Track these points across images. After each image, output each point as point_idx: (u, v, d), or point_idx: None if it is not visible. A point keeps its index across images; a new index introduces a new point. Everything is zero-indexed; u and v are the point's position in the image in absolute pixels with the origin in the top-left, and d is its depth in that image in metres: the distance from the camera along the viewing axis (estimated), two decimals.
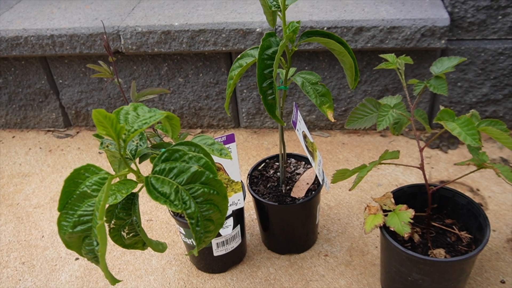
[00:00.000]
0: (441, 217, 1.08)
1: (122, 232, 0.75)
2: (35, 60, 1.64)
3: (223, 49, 1.45)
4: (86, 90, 1.68)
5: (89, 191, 0.64)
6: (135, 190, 0.70)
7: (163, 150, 0.66)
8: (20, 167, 1.63)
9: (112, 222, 0.73)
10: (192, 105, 1.65)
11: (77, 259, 1.26)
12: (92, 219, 0.64)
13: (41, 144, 1.74)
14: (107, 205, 0.71)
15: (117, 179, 0.72)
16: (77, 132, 1.79)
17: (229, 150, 1.02)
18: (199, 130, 1.71)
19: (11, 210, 1.45)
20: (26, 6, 1.72)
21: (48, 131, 1.81)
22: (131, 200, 0.71)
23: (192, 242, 1.11)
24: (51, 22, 1.56)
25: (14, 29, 1.55)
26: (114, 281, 0.65)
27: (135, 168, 0.73)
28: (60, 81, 1.68)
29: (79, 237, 0.66)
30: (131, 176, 0.74)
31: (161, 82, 1.61)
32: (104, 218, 0.71)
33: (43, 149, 1.71)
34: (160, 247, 0.75)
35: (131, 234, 0.75)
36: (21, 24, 1.57)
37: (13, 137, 1.80)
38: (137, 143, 0.73)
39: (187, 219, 0.62)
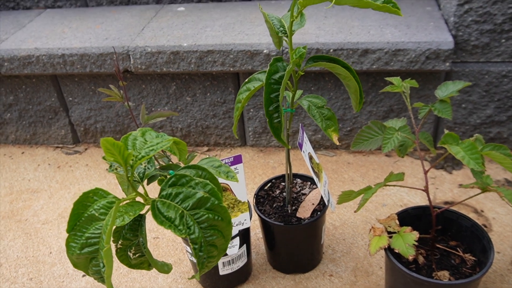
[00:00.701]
0: (446, 239, 1.08)
1: (129, 253, 0.76)
2: (46, 78, 1.67)
3: (231, 69, 1.47)
4: (95, 108, 1.71)
5: (97, 214, 0.66)
6: (142, 212, 0.72)
7: (171, 172, 0.68)
8: (29, 183, 1.65)
9: (119, 242, 0.74)
10: (199, 123, 1.67)
11: (84, 276, 1.27)
12: (99, 241, 0.65)
13: (50, 160, 1.77)
14: (114, 226, 0.73)
15: (125, 202, 0.74)
16: (86, 149, 1.81)
17: (236, 170, 1.04)
18: (205, 148, 1.73)
19: (19, 226, 1.46)
20: (38, 26, 1.76)
21: (57, 147, 1.84)
22: (138, 222, 0.73)
23: None
24: (62, 42, 1.59)
25: (26, 48, 1.58)
26: None
27: (142, 191, 0.75)
28: (70, 98, 1.71)
29: (87, 258, 0.68)
30: (139, 198, 0.75)
31: (169, 101, 1.64)
32: (112, 239, 0.73)
33: (51, 165, 1.74)
34: (165, 268, 0.77)
35: (137, 255, 0.77)
36: (33, 43, 1.61)
37: (23, 153, 1.83)
38: (145, 166, 0.75)
39: (190, 244, 0.63)
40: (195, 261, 1.13)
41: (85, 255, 0.65)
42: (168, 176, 0.69)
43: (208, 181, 0.65)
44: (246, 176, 1.57)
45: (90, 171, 1.69)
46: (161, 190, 0.67)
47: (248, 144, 1.71)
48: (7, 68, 1.61)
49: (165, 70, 1.51)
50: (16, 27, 1.77)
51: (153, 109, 1.68)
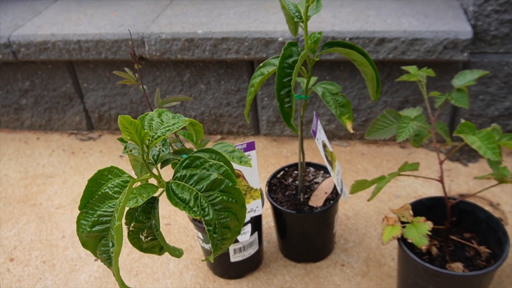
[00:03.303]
0: (460, 231, 1.07)
1: (141, 236, 0.76)
2: (61, 64, 1.68)
3: (245, 57, 1.46)
4: (109, 95, 1.72)
5: (110, 193, 0.66)
6: (155, 195, 0.72)
7: (184, 156, 0.68)
8: (44, 168, 1.67)
9: (132, 225, 0.75)
10: (213, 111, 1.67)
11: (96, 260, 1.28)
12: (111, 220, 0.66)
13: (64, 146, 1.78)
14: (127, 208, 0.73)
15: (139, 183, 0.74)
16: (100, 136, 1.82)
17: (249, 157, 1.03)
18: (219, 137, 1.73)
19: (33, 210, 1.48)
20: (54, 12, 1.77)
21: (72, 133, 1.85)
22: (151, 204, 0.73)
23: (209, 247, 1.12)
24: (78, 28, 1.59)
25: (43, 34, 1.59)
26: (123, 286, 0.66)
27: (156, 173, 0.75)
28: (85, 85, 1.72)
29: (96, 237, 0.68)
30: (153, 181, 0.75)
31: (183, 88, 1.63)
32: (124, 220, 0.73)
33: (66, 151, 1.75)
34: (176, 252, 0.77)
35: (149, 238, 0.77)
36: (49, 29, 1.61)
37: (38, 138, 1.85)
38: (159, 148, 0.75)
39: (205, 225, 0.63)
40: (206, 247, 1.13)
41: (95, 233, 0.65)
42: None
43: (222, 163, 0.64)
44: (259, 165, 1.57)
45: (103, 158, 1.70)
46: (175, 172, 0.67)
47: (262, 133, 1.71)
48: (23, 53, 1.62)
49: (180, 57, 1.51)
50: (32, 13, 1.78)
51: (167, 96, 1.68)
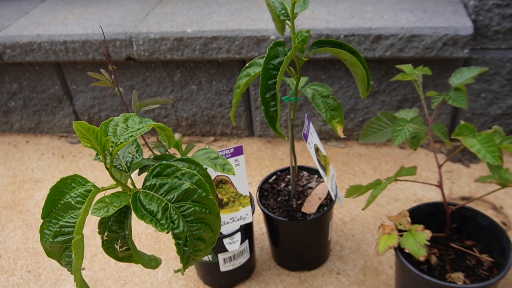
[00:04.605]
0: (461, 238, 1.01)
1: (116, 245, 0.72)
2: (49, 65, 1.63)
3: (237, 56, 1.41)
4: (99, 96, 1.67)
5: (73, 203, 0.62)
6: (128, 203, 0.67)
7: (155, 164, 0.63)
8: (32, 173, 1.62)
9: (105, 234, 0.70)
10: (205, 112, 1.62)
11: (83, 269, 1.23)
12: (73, 231, 0.61)
13: (54, 149, 1.73)
14: (100, 217, 0.68)
15: (108, 192, 0.69)
16: None
17: (237, 162, 0.98)
18: (212, 138, 1.67)
19: (20, 216, 1.43)
20: (41, 12, 1.72)
21: (62, 136, 1.80)
22: (125, 214, 0.68)
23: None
24: (64, 28, 1.54)
25: (28, 34, 1.54)
26: None
27: (130, 181, 0.70)
28: (74, 86, 1.67)
29: (60, 247, 0.64)
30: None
31: (174, 89, 1.58)
32: (98, 230, 0.68)
33: (55, 154, 1.70)
34: (153, 263, 0.72)
35: (124, 248, 0.72)
36: (35, 30, 1.56)
37: (27, 142, 1.80)
38: (133, 155, 0.70)
39: (173, 239, 0.58)
40: None
41: (58, 244, 0.61)
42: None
43: (195, 172, 0.59)
44: (252, 168, 1.51)
45: (93, 161, 1.65)
46: (145, 180, 0.62)
47: (256, 135, 1.65)
48: (9, 55, 1.58)
49: (169, 57, 1.46)
50: (19, 13, 1.73)
51: (158, 97, 1.62)
